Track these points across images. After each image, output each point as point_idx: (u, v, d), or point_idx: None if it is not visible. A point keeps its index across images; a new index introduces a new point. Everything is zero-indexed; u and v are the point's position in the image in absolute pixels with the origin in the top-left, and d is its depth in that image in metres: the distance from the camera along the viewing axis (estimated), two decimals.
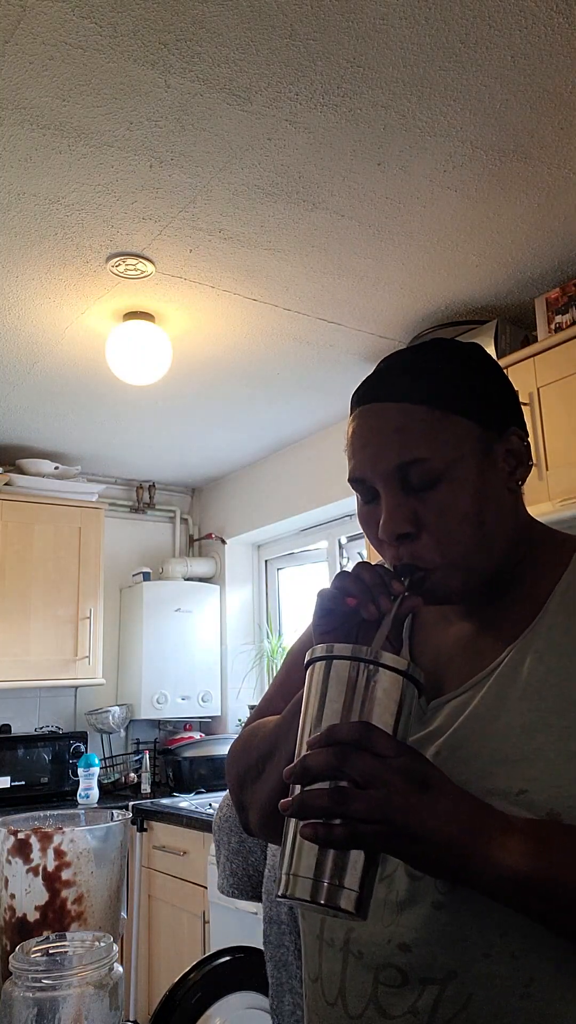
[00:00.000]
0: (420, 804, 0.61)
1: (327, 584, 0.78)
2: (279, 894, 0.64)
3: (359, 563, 0.77)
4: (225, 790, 3.49)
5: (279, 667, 0.99)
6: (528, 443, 0.82)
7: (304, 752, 0.65)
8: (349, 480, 0.80)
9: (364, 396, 0.80)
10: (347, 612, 0.75)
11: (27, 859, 0.86)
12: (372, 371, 0.83)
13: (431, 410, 0.76)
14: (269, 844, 1.47)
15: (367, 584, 0.75)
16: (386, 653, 0.67)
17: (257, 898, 1.49)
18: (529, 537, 0.83)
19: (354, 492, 0.81)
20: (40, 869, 0.86)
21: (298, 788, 0.64)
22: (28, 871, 0.86)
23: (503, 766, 0.69)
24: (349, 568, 0.78)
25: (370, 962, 0.72)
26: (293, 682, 0.91)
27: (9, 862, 0.87)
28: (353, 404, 0.81)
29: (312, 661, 0.69)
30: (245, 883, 1.49)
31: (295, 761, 0.65)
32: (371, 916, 0.70)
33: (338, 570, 3.78)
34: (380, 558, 0.82)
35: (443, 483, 0.75)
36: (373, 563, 0.77)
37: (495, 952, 0.66)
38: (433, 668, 0.83)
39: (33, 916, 0.85)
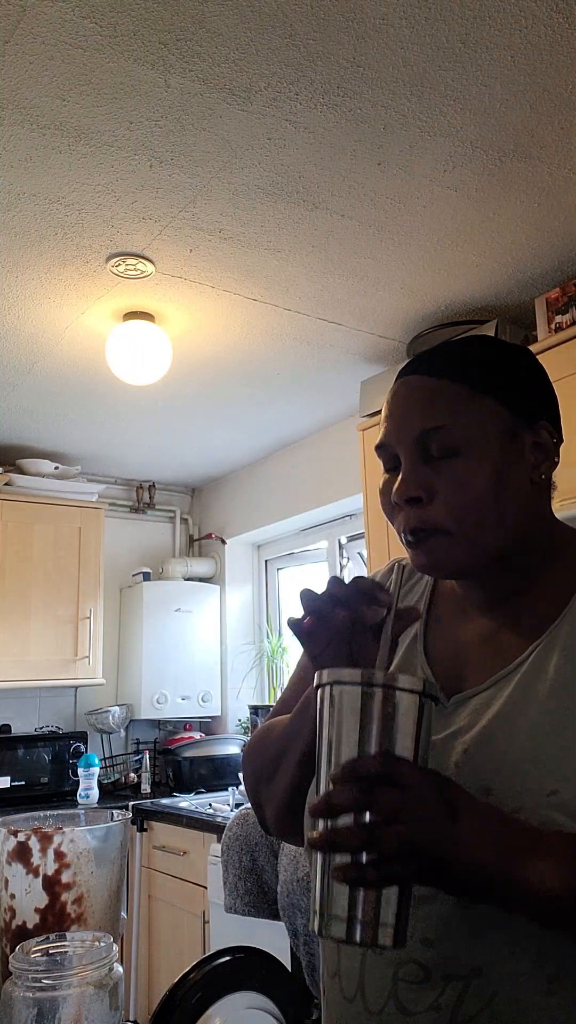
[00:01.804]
0: (450, 834, 0.60)
1: (327, 584, 0.78)
2: (314, 931, 0.63)
3: (333, 578, 0.77)
4: (225, 790, 3.50)
5: (292, 667, 1.00)
6: (557, 441, 0.82)
7: (327, 787, 0.63)
8: (375, 447, 0.83)
9: (404, 370, 0.83)
10: (335, 627, 0.75)
11: (27, 862, 0.86)
12: None
13: (461, 386, 0.78)
14: (280, 862, 1.47)
15: (355, 593, 0.74)
16: (401, 675, 0.65)
17: (274, 915, 1.48)
18: (551, 534, 0.83)
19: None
20: (40, 871, 0.86)
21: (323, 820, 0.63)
22: (28, 873, 0.86)
23: (533, 765, 0.69)
24: (340, 575, 0.79)
25: (391, 957, 0.72)
26: (307, 681, 0.92)
27: (9, 864, 0.87)
28: (395, 379, 0.85)
29: (321, 686, 0.67)
30: (260, 901, 1.49)
31: (319, 796, 0.63)
32: None
33: (338, 570, 3.78)
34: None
35: (462, 456, 0.77)
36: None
37: (519, 949, 0.66)
38: (453, 662, 0.83)
39: (33, 920, 0.85)
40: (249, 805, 1.58)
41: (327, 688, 0.66)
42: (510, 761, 0.70)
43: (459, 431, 0.77)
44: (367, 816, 0.60)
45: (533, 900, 0.60)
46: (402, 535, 0.80)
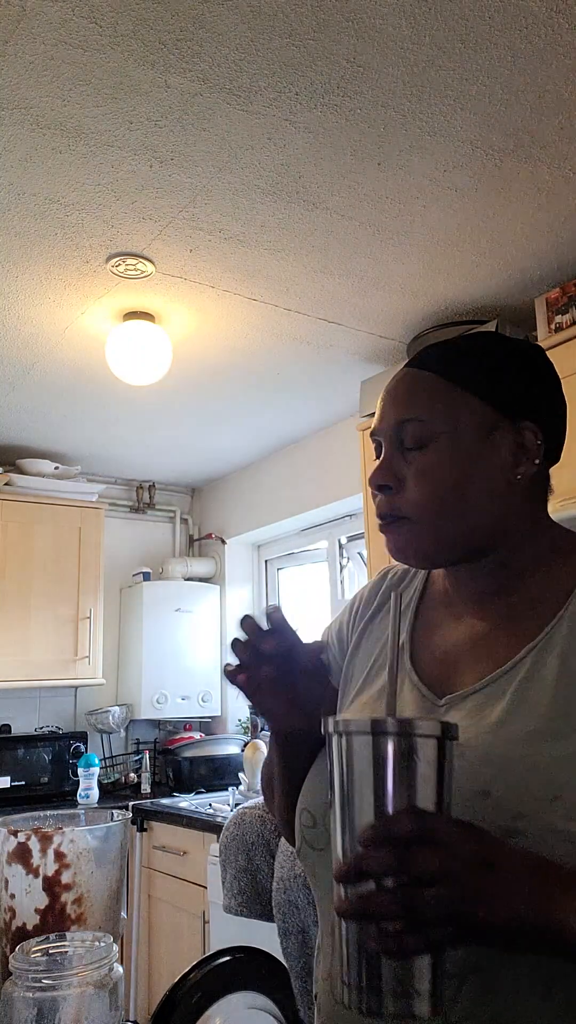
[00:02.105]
0: (488, 890, 0.57)
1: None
2: (345, 1004, 0.59)
3: (247, 622, 0.80)
4: (225, 790, 3.50)
5: None
6: (542, 444, 0.81)
7: (349, 848, 0.59)
8: (370, 434, 0.87)
9: (406, 364, 0.86)
10: (267, 679, 0.78)
11: (27, 863, 0.86)
12: None
13: (442, 379, 0.81)
14: (276, 860, 1.46)
15: (280, 644, 0.77)
16: (417, 720, 0.60)
17: (267, 917, 1.47)
18: (545, 536, 0.83)
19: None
20: (40, 871, 0.86)
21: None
22: (28, 873, 0.86)
23: (534, 772, 0.68)
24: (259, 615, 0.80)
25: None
26: None
27: (9, 864, 0.87)
28: None
29: (329, 735, 0.62)
30: (254, 901, 1.48)
31: (344, 861, 0.58)
32: None
33: (338, 570, 3.78)
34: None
35: (430, 448, 0.79)
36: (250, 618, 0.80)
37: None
38: (442, 663, 0.83)
39: (33, 921, 0.85)
40: (245, 805, 1.58)
41: (336, 738, 0.61)
42: (509, 767, 0.69)
43: (432, 423, 0.79)
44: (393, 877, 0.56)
45: (569, 945, 0.58)
46: (378, 521, 0.84)
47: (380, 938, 0.56)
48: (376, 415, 0.85)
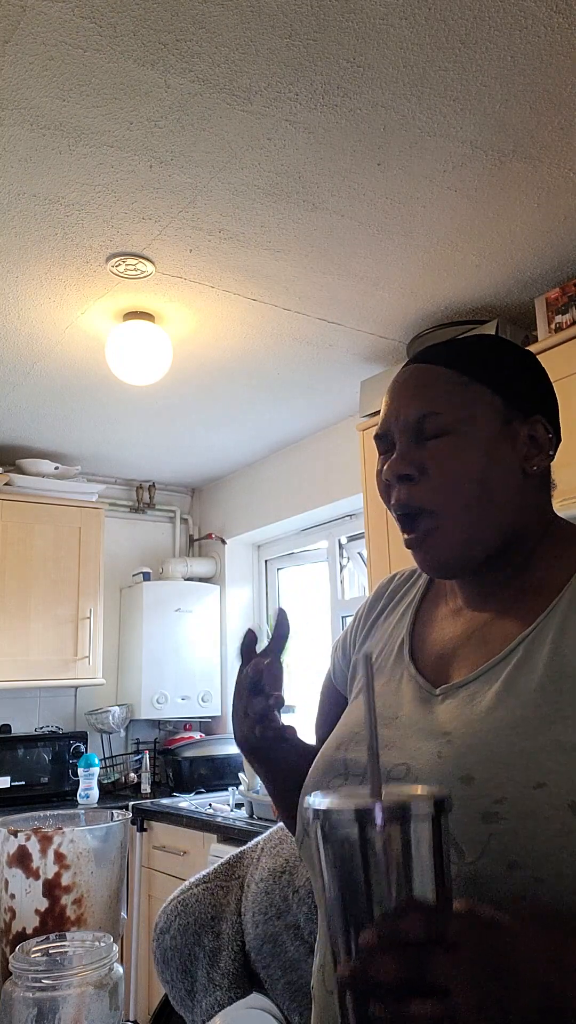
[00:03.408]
0: (505, 985, 0.54)
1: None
2: None
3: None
4: (225, 790, 3.48)
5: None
6: (552, 437, 0.83)
7: (346, 948, 0.53)
8: (375, 436, 0.85)
9: (407, 361, 0.86)
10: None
11: (27, 866, 0.86)
12: None
13: (457, 374, 0.81)
14: (244, 917, 1.30)
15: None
16: (406, 796, 0.54)
17: (256, 983, 1.28)
18: (548, 529, 0.84)
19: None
20: (40, 873, 0.86)
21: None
22: (28, 876, 0.86)
23: (519, 757, 0.68)
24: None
25: None
26: (324, 714, 1.01)
27: (9, 867, 0.87)
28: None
29: (308, 819, 0.57)
30: (243, 978, 1.22)
31: (347, 965, 0.53)
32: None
33: (338, 570, 3.78)
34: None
35: (451, 435, 0.79)
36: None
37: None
38: (440, 656, 0.83)
39: (32, 924, 0.85)
40: (172, 897, 1.43)
41: (318, 823, 0.54)
42: (495, 753, 0.70)
43: (451, 413, 0.79)
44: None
45: None
46: (397, 520, 0.82)
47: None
48: (385, 411, 0.84)
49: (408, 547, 0.82)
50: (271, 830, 1.39)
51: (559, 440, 0.85)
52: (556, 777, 0.66)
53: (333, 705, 0.99)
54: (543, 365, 0.88)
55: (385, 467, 0.81)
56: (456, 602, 0.87)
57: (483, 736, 0.71)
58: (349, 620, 1.04)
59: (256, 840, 1.42)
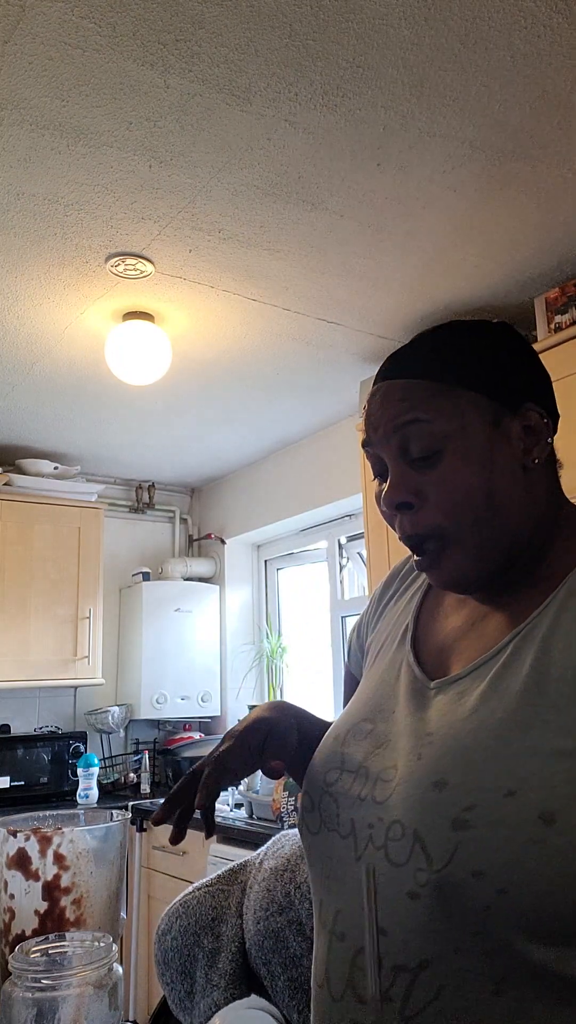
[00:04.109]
0: None
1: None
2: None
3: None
4: (225, 790, 3.48)
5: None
6: (548, 421, 0.79)
7: None
8: (362, 443, 0.81)
9: (376, 377, 0.81)
10: None
11: (27, 870, 0.86)
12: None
13: (433, 383, 0.76)
14: (245, 916, 1.30)
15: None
16: None
17: (256, 985, 1.28)
18: (557, 513, 0.80)
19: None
20: (39, 875, 0.86)
21: None
22: (28, 879, 0.86)
23: (493, 762, 0.66)
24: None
25: (350, 944, 0.71)
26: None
27: (9, 869, 0.87)
28: (373, 383, 0.83)
29: None
30: (240, 980, 1.27)
31: None
32: (352, 898, 0.70)
33: (338, 570, 3.78)
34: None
35: (445, 454, 0.75)
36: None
37: (466, 947, 0.64)
38: (440, 649, 0.81)
39: (32, 925, 0.85)
40: (177, 901, 1.43)
41: None
42: (471, 756, 0.67)
43: (438, 426, 0.75)
44: None
45: None
46: (405, 544, 0.78)
47: None
48: (367, 431, 0.80)
49: (420, 569, 0.79)
50: (273, 838, 1.39)
51: (558, 417, 0.81)
52: (528, 785, 0.64)
53: (352, 692, 0.98)
54: (523, 338, 0.82)
55: (383, 496, 0.77)
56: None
57: (462, 739, 0.69)
58: (351, 619, 1.03)
59: (260, 849, 1.43)
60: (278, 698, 4.09)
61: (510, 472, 0.76)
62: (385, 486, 0.77)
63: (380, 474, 0.80)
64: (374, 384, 0.82)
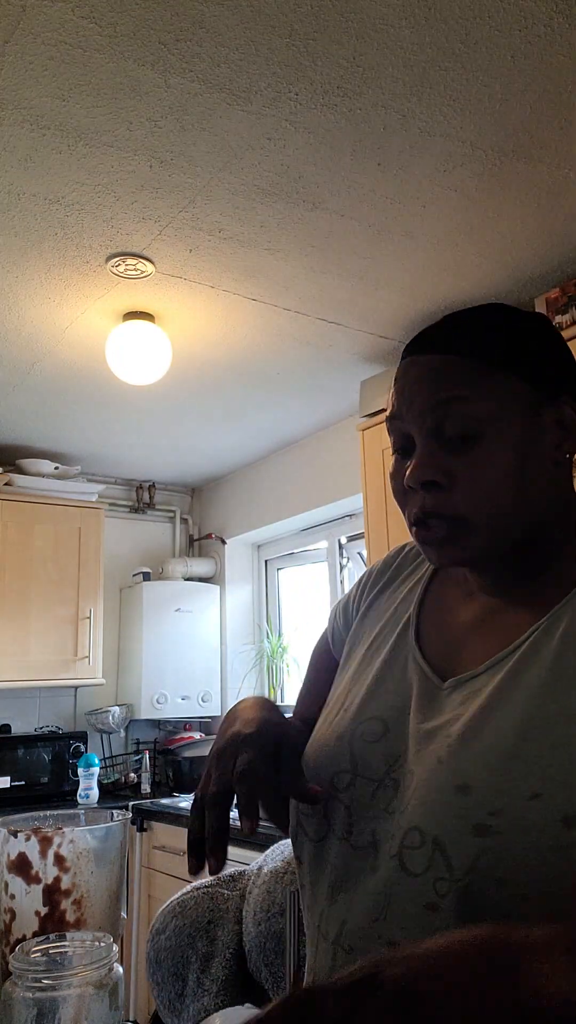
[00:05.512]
0: None
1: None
2: None
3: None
4: None
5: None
6: None
7: None
8: (387, 418, 0.77)
9: (410, 348, 0.77)
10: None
11: (27, 873, 0.86)
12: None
13: (476, 362, 0.72)
14: (245, 920, 1.27)
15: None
16: None
17: (252, 990, 1.25)
18: (572, 510, 0.77)
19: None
20: (39, 877, 0.86)
21: None
22: (28, 882, 0.86)
23: (517, 762, 0.63)
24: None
25: (358, 958, 0.67)
26: (319, 682, 0.95)
27: (9, 872, 0.87)
28: (401, 359, 0.78)
29: None
30: (234, 984, 1.20)
31: None
32: (360, 909, 0.68)
33: (338, 570, 3.78)
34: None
35: (483, 439, 0.71)
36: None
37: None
38: (448, 644, 0.78)
39: (32, 927, 0.85)
40: (173, 900, 1.42)
41: None
42: (494, 757, 0.65)
43: (476, 411, 0.71)
44: None
45: None
46: (413, 519, 0.74)
47: None
48: (397, 404, 0.75)
49: (420, 541, 0.75)
50: (272, 848, 1.39)
51: None
52: (553, 786, 0.61)
53: (324, 671, 0.94)
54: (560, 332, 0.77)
55: (408, 472, 0.72)
56: (469, 586, 0.81)
57: (484, 738, 0.66)
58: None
59: (258, 859, 1.43)
60: (277, 698, 4.09)
61: (540, 466, 0.73)
62: (411, 463, 0.73)
63: (401, 449, 0.76)
64: (403, 359, 0.77)
